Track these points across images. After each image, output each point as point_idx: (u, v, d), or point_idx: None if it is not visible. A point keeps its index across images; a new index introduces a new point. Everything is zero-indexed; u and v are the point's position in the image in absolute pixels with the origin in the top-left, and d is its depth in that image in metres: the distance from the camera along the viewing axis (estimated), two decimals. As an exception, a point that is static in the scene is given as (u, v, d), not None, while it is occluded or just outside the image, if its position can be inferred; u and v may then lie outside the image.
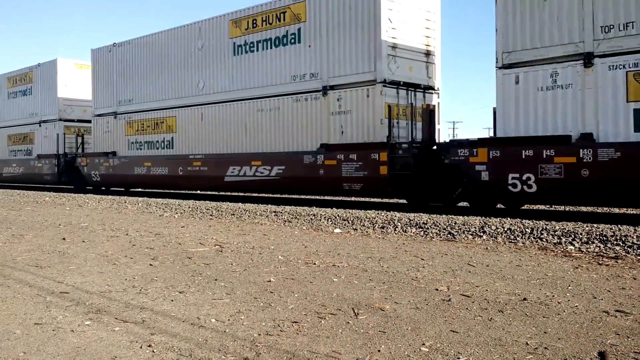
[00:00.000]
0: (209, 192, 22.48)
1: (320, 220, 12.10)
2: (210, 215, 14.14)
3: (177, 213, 14.79)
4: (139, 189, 24.48)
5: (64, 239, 9.79)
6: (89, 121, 25.11)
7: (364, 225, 11.20)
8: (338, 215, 12.26)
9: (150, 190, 24.10)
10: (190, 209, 15.26)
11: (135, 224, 12.12)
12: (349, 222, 11.59)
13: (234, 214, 13.90)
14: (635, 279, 6.29)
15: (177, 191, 23.41)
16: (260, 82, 17.59)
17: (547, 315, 4.85)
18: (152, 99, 21.55)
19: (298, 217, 12.68)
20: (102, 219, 13.51)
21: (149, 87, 21.61)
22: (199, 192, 22.89)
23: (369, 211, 12.94)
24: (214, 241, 9.43)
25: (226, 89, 18.67)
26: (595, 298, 5.43)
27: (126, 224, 12.12)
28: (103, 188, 25.10)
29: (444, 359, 3.83)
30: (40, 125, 27.70)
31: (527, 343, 4.13)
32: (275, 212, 13.61)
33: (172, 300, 5.46)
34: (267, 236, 10.14)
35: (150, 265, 7.30)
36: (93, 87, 24.11)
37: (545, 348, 4.01)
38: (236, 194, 21.24)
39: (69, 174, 25.78)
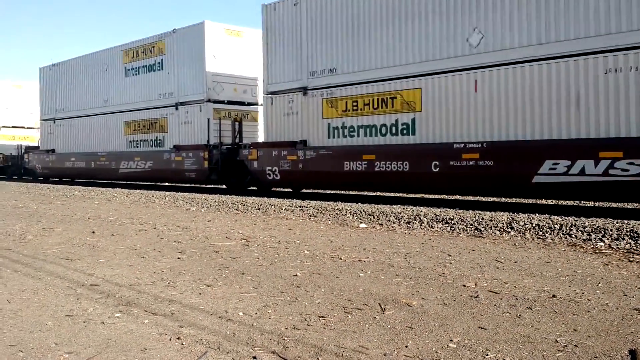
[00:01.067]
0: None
1: (346, 215, 12.09)
2: (236, 209, 14.23)
3: (203, 207, 14.92)
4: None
5: (93, 232, 9.96)
6: (242, 103, 21.66)
7: (389, 221, 11.17)
8: (363, 210, 12.24)
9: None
10: (217, 203, 15.38)
11: (163, 218, 12.26)
12: (374, 217, 11.57)
13: (259, 209, 13.97)
14: (668, 276, 6.16)
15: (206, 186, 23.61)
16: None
17: (577, 312, 4.79)
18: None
19: (323, 211, 12.70)
20: (130, 212, 13.70)
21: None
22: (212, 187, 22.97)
23: (395, 206, 12.89)
24: (240, 235, 9.50)
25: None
26: (626, 295, 5.33)
27: (154, 218, 12.27)
28: (282, 189, 20.00)
29: (472, 356, 3.80)
30: (177, 109, 21.97)
31: (556, 340, 4.08)
32: (300, 206, 13.64)
33: (200, 294, 5.52)
34: (293, 230, 10.17)
35: (178, 258, 7.38)
36: (267, 60, 18.16)
37: (575, 345, 3.96)
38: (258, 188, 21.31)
39: (225, 171, 20.23)
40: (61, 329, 4.44)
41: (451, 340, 4.11)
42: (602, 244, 8.34)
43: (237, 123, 20.83)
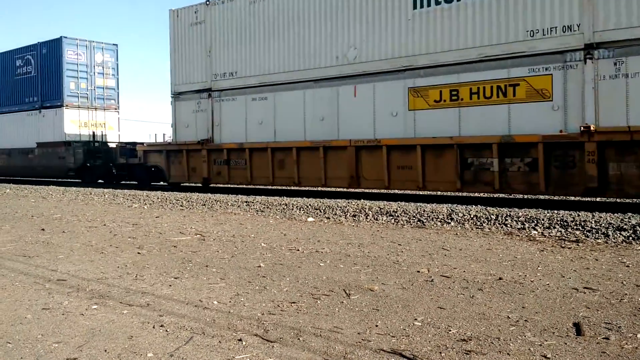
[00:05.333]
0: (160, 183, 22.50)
1: (293, 209, 12.41)
2: (181, 205, 14.27)
3: (146, 204, 14.85)
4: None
5: (42, 229, 9.83)
6: None
7: (335, 214, 11.57)
8: (310, 205, 12.59)
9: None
10: (160, 200, 15.34)
11: (109, 215, 12.18)
12: (320, 211, 11.94)
13: (204, 204, 14.07)
14: (597, 260, 6.84)
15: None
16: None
17: (523, 292, 5.31)
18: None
19: (270, 206, 12.96)
20: (72, 210, 13.48)
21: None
22: (161, 183, 22.98)
23: (339, 200, 13.32)
24: (193, 230, 9.64)
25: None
26: (563, 277, 5.93)
27: (99, 215, 12.16)
28: None
29: (437, 331, 4.21)
30: None
31: (508, 317, 4.56)
32: (246, 202, 13.85)
33: (170, 285, 5.70)
34: (244, 225, 10.40)
35: (138, 253, 7.49)
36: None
37: (526, 320, 4.45)
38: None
39: None
40: (42, 322, 4.55)
41: (415, 319, 4.52)
42: (535, 232, 9.04)
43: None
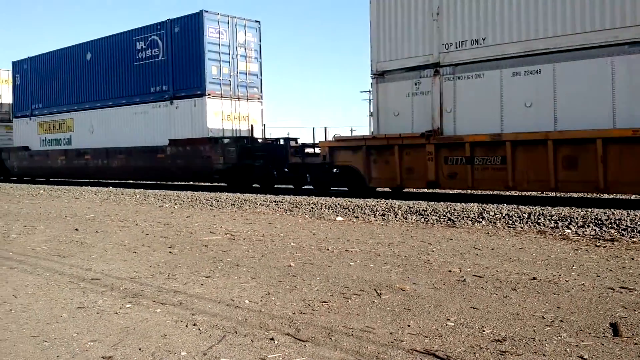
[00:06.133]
0: (202, 184, 22.75)
1: (322, 209, 12.41)
2: (211, 205, 14.39)
3: (176, 204, 15.01)
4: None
5: (76, 229, 10.01)
6: None
7: (364, 213, 11.53)
8: (338, 204, 12.58)
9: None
10: (190, 200, 15.50)
11: (140, 215, 12.34)
12: (349, 210, 11.92)
13: (234, 204, 14.17)
14: (633, 259, 6.68)
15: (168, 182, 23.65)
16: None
17: (558, 292, 5.22)
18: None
19: (299, 206, 12.98)
20: (105, 210, 13.70)
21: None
22: (191, 183, 23.33)
23: (368, 200, 13.27)
24: (223, 230, 9.71)
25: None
26: (599, 276, 5.80)
27: (131, 215, 12.33)
28: None
29: (470, 332, 4.16)
30: None
31: (543, 317, 4.48)
32: (275, 201, 13.90)
33: (201, 285, 5.75)
34: (273, 225, 10.43)
35: (170, 252, 7.57)
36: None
37: (561, 321, 4.36)
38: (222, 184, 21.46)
39: None
40: (77, 320, 4.62)
41: (448, 319, 4.47)
42: (569, 231, 8.87)
43: None
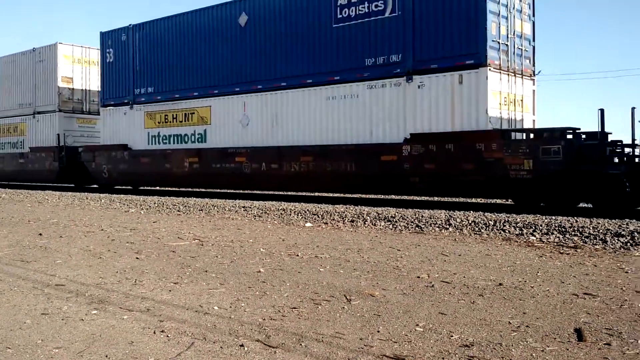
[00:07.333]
0: (156, 188, 22.50)
1: (290, 214, 12.40)
2: (178, 211, 14.24)
3: (143, 209, 14.81)
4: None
5: (40, 234, 9.79)
6: None
7: (334, 219, 11.56)
8: (307, 210, 12.58)
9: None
10: (156, 205, 15.32)
11: (105, 220, 12.14)
12: (318, 217, 11.93)
13: (202, 210, 14.05)
14: (596, 265, 6.85)
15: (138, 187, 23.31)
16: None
17: (523, 298, 5.31)
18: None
19: (267, 212, 12.95)
20: (69, 215, 13.43)
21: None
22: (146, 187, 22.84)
23: (337, 206, 13.31)
24: (191, 236, 9.62)
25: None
26: (563, 283, 5.93)
27: (96, 220, 12.12)
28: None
29: (439, 337, 4.20)
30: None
31: (509, 322, 4.55)
32: (244, 207, 13.83)
33: (169, 291, 5.68)
34: (242, 230, 10.38)
35: (137, 258, 7.46)
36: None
37: (527, 326, 4.44)
38: (177, 189, 21.28)
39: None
40: (41, 327, 4.52)
41: (417, 325, 4.51)
42: (534, 238, 9.04)
43: None
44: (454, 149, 13.59)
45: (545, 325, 4.47)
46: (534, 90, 15.24)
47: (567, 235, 8.93)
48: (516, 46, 14.56)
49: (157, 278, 6.28)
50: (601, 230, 8.89)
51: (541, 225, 9.57)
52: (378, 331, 4.35)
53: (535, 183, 12.57)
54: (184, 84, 19.80)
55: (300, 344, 4.04)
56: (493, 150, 13.05)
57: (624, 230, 8.76)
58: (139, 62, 21.24)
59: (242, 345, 4.02)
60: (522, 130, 13.68)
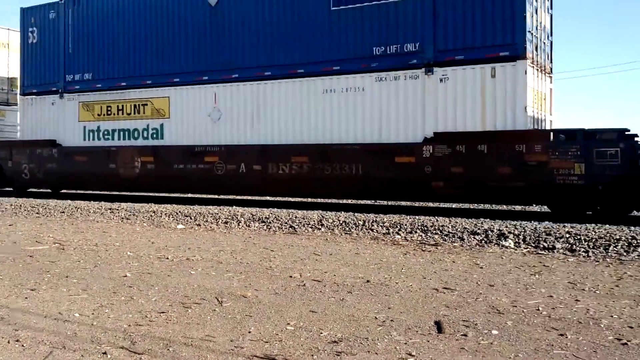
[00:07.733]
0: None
1: (161, 216, 12.03)
2: (37, 213, 13.31)
3: (-3, 211, 13.67)
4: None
5: None
6: None
7: (207, 221, 11.38)
8: (179, 212, 12.27)
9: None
10: (13, 207, 14.21)
11: (-48, 224, 11.05)
12: (191, 218, 11.68)
13: (64, 212, 13.23)
14: (454, 262, 7.32)
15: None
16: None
17: (388, 293, 5.55)
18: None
19: (136, 214, 12.46)
20: None
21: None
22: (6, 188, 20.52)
23: (211, 207, 13.12)
24: (51, 239, 9.02)
25: None
26: (425, 278, 6.27)
27: (-60, 224, 11.00)
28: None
29: (309, 335, 4.28)
30: None
31: (376, 317, 4.74)
32: (110, 209, 13.21)
33: (26, 298, 5.29)
34: (108, 233, 9.90)
35: (-12, 265, 6.87)
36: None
37: (392, 320, 4.65)
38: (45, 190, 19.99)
39: None
40: None
41: (288, 324, 4.56)
42: (399, 236, 9.48)
43: None
44: (488, 151, 12.01)
45: (409, 319, 4.70)
46: (551, 89, 14.05)
47: (429, 234, 9.46)
48: (541, 39, 13.13)
49: (13, 284, 5.82)
50: (459, 229, 9.51)
51: (406, 225, 10.06)
52: (249, 332, 4.34)
53: (587, 189, 11.34)
54: (133, 70, 16.62)
55: (168, 349, 3.93)
56: (536, 153, 11.60)
57: (479, 228, 9.44)
58: (72, 43, 17.68)
59: (105, 353, 3.84)
60: (569, 131, 11.82)
